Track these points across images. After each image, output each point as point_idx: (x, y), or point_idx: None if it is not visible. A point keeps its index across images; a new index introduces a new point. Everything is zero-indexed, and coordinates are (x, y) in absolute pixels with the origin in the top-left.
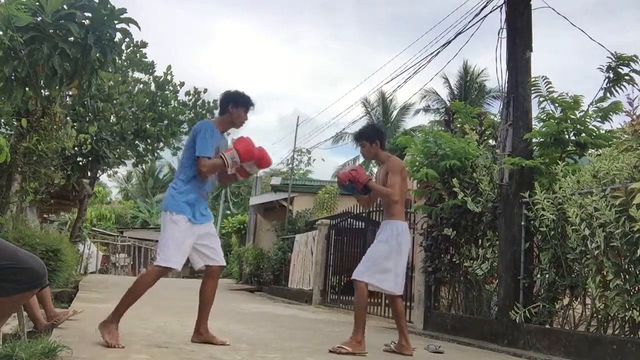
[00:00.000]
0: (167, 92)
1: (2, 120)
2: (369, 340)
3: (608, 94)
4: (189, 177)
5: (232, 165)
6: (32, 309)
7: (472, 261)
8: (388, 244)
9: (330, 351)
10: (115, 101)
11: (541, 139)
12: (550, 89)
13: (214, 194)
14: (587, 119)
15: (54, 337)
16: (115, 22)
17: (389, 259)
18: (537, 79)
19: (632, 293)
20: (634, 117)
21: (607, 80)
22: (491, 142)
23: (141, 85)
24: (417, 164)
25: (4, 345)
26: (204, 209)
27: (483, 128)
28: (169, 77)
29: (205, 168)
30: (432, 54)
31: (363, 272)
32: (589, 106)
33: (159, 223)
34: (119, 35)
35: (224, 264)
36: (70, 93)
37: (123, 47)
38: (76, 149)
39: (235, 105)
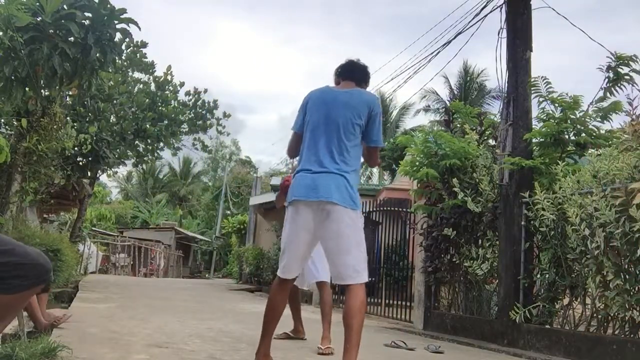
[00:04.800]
0: (167, 92)
1: (2, 120)
2: (369, 340)
3: (608, 94)
4: (357, 167)
5: None
6: (32, 309)
7: (472, 261)
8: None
9: (321, 353)
10: (115, 101)
11: (541, 139)
12: (550, 89)
13: (213, 194)
14: (587, 119)
15: (54, 337)
16: (115, 22)
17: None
18: (537, 79)
19: (632, 293)
20: (634, 117)
21: (607, 80)
22: (491, 142)
23: (141, 85)
24: (417, 163)
25: (4, 345)
26: None
27: (483, 128)
28: (169, 77)
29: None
30: (432, 54)
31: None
32: (589, 106)
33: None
34: (119, 35)
35: None
36: (70, 93)
37: (123, 47)
38: (76, 149)
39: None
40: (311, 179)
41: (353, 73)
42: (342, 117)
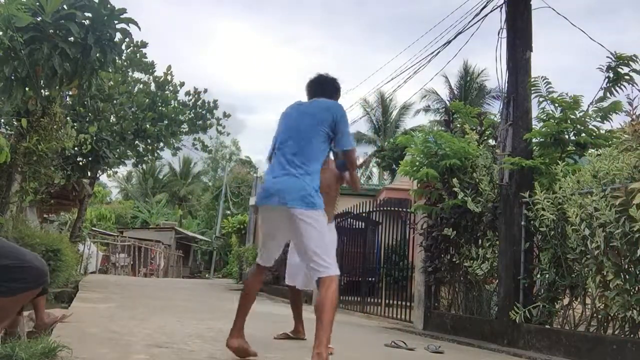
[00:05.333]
0: (167, 92)
1: (2, 120)
2: (369, 339)
3: (608, 94)
4: (317, 168)
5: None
6: (37, 308)
7: (472, 261)
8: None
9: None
10: (115, 101)
11: (541, 139)
12: (550, 89)
13: (213, 194)
14: (587, 119)
15: (54, 337)
16: (115, 22)
17: None
18: (537, 79)
19: (632, 293)
20: (634, 117)
21: (607, 80)
22: (491, 142)
23: (141, 85)
24: (417, 163)
25: (4, 345)
26: None
27: (483, 128)
28: (169, 77)
29: (356, 163)
30: (432, 54)
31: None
32: (589, 106)
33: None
34: (119, 35)
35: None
36: (70, 93)
37: (123, 47)
38: (76, 149)
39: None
40: (272, 183)
41: (320, 87)
42: (303, 124)
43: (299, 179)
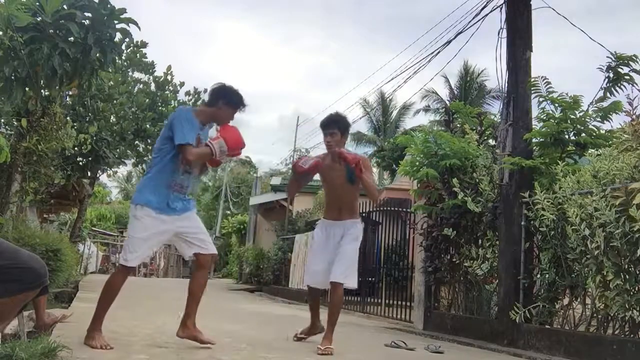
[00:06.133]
0: (167, 92)
1: (2, 120)
2: (369, 339)
3: (608, 94)
4: (158, 169)
5: (220, 154)
6: (38, 308)
7: (472, 261)
8: (359, 242)
9: (321, 354)
10: (115, 101)
11: (541, 139)
12: (550, 89)
13: (213, 194)
14: (587, 119)
15: (54, 337)
16: (115, 22)
17: (357, 257)
18: (537, 79)
19: (632, 293)
20: (634, 117)
21: (607, 80)
22: (491, 142)
23: (141, 85)
24: (417, 163)
25: (4, 345)
26: (177, 201)
27: (483, 128)
28: (169, 77)
29: (192, 156)
30: (432, 54)
31: (346, 275)
32: (588, 106)
33: None
34: (119, 35)
35: (215, 252)
36: (70, 93)
37: (123, 47)
38: (76, 149)
39: (228, 103)
40: None
41: (207, 98)
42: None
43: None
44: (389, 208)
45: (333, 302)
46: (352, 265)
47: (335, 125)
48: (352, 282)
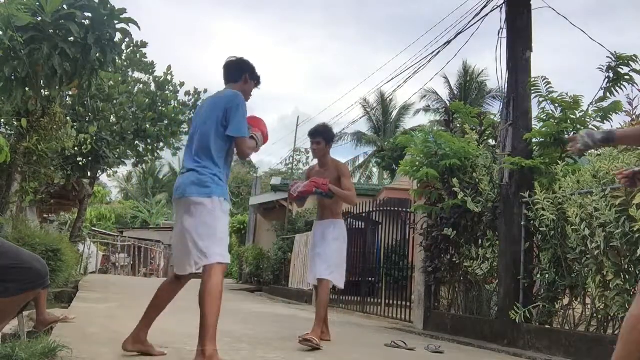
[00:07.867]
0: (167, 92)
1: (2, 120)
2: (369, 339)
3: (608, 94)
4: (224, 159)
5: (258, 148)
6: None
7: (472, 261)
8: (342, 241)
9: (299, 342)
10: (115, 101)
11: (541, 139)
12: (550, 89)
13: None
14: (587, 119)
15: (54, 337)
16: (115, 22)
17: (344, 256)
18: (537, 79)
19: (632, 293)
20: (634, 117)
21: (607, 80)
22: (491, 142)
23: (141, 85)
24: (417, 163)
25: (4, 345)
26: None
27: (483, 128)
28: (169, 77)
29: (250, 150)
30: (432, 54)
31: (330, 272)
32: (589, 106)
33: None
34: (119, 35)
35: None
36: (70, 93)
37: (123, 47)
38: (76, 149)
39: (252, 77)
40: (178, 178)
41: (226, 74)
42: (203, 118)
43: (195, 172)
44: (389, 208)
45: (319, 297)
46: (338, 264)
47: (320, 135)
48: (338, 281)
